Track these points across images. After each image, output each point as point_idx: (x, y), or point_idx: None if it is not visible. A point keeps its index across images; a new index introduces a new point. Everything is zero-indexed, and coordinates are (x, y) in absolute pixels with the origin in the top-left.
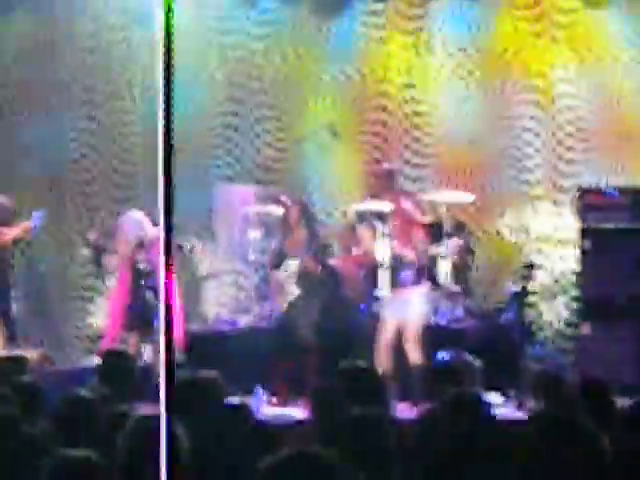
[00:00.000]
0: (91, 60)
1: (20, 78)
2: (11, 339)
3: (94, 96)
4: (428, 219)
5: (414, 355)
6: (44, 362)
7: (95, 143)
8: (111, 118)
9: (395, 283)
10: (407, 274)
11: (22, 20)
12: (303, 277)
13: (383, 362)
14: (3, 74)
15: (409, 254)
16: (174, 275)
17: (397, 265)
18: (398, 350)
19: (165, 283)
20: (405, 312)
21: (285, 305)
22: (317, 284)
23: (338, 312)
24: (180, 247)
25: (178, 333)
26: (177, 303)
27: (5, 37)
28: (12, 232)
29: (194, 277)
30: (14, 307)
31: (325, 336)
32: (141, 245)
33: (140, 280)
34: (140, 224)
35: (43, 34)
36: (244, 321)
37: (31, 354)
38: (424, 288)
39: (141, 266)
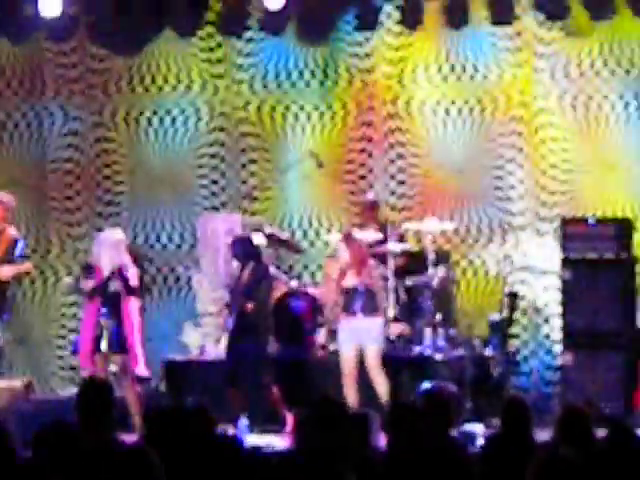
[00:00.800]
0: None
1: None
2: None
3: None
4: (409, 248)
5: (378, 384)
6: (28, 391)
7: (79, 172)
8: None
9: (350, 310)
10: (363, 302)
11: None
12: (238, 313)
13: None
14: None
15: (365, 282)
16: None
17: (351, 294)
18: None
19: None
20: (361, 339)
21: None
22: (252, 319)
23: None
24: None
25: (138, 362)
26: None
27: None
28: (10, 271)
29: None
30: None
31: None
32: (114, 267)
33: (107, 304)
34: (117, 245)
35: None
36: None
37: (15, 383)
38: (380, 317)
39: (111, 289)
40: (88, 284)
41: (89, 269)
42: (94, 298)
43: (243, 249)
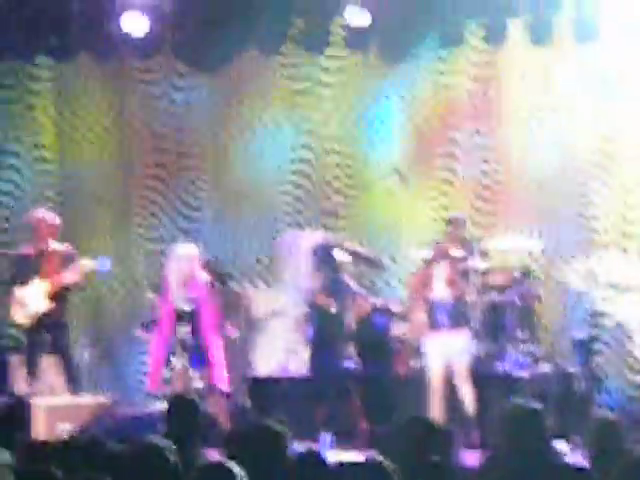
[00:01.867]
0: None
1: None
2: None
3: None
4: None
5: (468, 398)
6: (112, 406)
7: (162, 188)
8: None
9: (438, 325)
10: (450, 315)
11: None
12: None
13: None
14: None
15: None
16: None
17: (437, 307)
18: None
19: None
20: (449, 353)
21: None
22: (331, 320)
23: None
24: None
25: (219, 377)
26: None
27: None
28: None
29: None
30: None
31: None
32: (185, 282)
33: (181, 320)
34: (188, 260)
35: None
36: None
37: (99, 398)
38: (467, 330)
39: (182, 305)
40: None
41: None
42: (164, 313)
43: (322, 256)
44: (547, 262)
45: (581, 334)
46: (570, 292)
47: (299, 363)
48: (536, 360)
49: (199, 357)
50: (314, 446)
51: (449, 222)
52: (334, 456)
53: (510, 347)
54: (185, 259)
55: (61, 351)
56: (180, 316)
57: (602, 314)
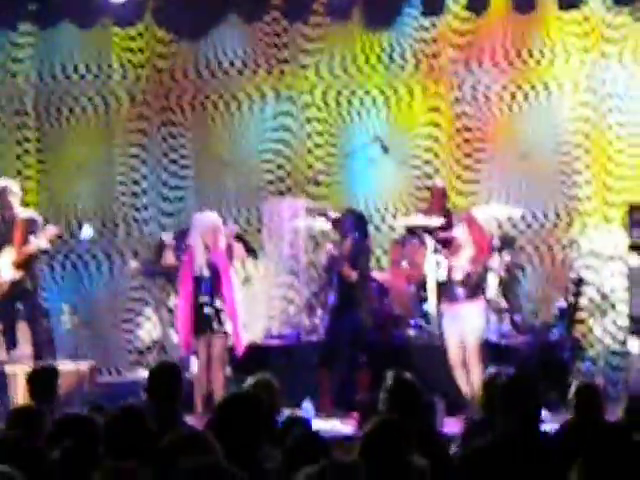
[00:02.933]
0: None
1: None
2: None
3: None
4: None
5: (476, 371)
6: (93, 374)
7: (145, 156)
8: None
9: (452, 298)
10: (464, 289)
11: None
12: (341, 285)
13: (461, 379)
14: None
15: (466, 268)
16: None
17: (453, 280)
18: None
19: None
20: (463, 327)
21: (328, 317)
22: (355, 292)
23: (386, 326)
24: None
25: (238, 340)
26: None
27: None
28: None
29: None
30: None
31: (374, 350)
32: (208, 249)
33: (201, 284)
34: (213, 229)
35: None
36: (293, 334)
37: (81, 366)
38: (481, 302)
39: (204, 272)
40: (168, 259)
41: (162, 249)
42: (187, 280)
43: (347, 222)
44: (530, 231)
45: (563, 303)
46: (553, 261)
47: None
48: (518, 329)
49: (220, 322)
50: (297, 413)
51: (433, 191)
52: (316, 424)
53: (492, 316)
54: (210, 224)
55: (29, 319)
56: (200, 282)
57: (585, 282)
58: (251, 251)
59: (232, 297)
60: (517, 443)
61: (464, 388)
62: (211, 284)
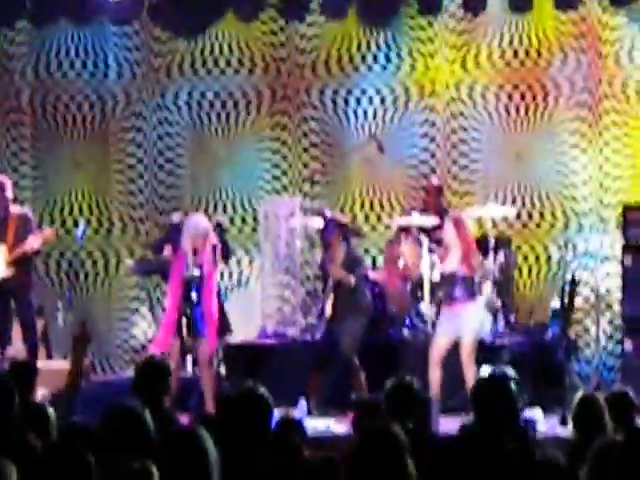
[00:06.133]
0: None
1: None
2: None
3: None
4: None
5: (470, 371)
6: (88, 372)
7: (141, 155)
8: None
9: (449, 298)
10: (461, 289)
11: None
12: (336, 288)
13: (434, 377)
14: None
15: (463, 268)
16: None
17: (450, 280)
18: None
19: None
20: (459, 328)
21: (325, 318)
22: (351, 295)
23: (382, 326)
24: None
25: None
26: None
27: None
28: (37, 241)
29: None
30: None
31: (369, 350)
32: (197, 250)
33: (190, 285)
34: (204, 231)
35: None
36: (289, 334)
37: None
38: (478, 303)
39: (193, 272)
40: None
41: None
42: (176, 282)
43: (336, 230)
44: (525, 231)
45: (558, 303)
46: (548, 261)
47: (293, 331)
48: (513, 329)
49: (202, 325)
50: (291, 412)
51: (429, 190)
52: (310, 423)
53: (487, 316)
54: (202, 229)
55: (23, 317)
56: (189, 282)
57: (580, 283)
58: (225, 257)
59: (211, 300)
60: (480, 444)
61: (434, 389)
62: (199, 286)
